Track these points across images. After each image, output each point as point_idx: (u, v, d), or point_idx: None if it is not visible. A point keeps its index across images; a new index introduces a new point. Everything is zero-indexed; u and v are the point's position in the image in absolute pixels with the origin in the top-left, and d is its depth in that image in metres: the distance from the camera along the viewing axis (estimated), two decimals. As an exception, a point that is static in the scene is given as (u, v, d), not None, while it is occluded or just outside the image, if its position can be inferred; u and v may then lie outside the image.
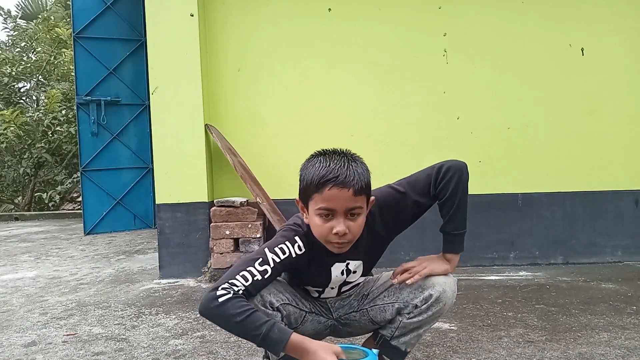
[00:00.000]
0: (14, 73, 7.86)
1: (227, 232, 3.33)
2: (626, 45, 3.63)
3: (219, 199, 3.41)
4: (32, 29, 8.78)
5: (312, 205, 1.37)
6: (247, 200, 3.42)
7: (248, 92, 3.64)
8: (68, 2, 9.03)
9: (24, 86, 8.75)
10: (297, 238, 1.44)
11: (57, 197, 8.25)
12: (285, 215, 3.43)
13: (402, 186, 1.53)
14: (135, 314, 2.63)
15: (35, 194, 8.26)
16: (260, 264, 1.37)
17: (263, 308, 1.38)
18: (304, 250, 1.44)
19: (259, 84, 3.62)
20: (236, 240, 3.36)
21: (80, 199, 9.05)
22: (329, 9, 3.58)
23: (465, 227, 1.56)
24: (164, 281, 3.39)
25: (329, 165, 1.33)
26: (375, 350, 1.33)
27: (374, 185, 1.44)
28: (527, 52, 3.61)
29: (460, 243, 1.56)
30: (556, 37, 3.60)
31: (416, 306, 1.51)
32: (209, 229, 3.39)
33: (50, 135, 7.67)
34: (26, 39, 8.53)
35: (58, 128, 7.65)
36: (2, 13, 9.24)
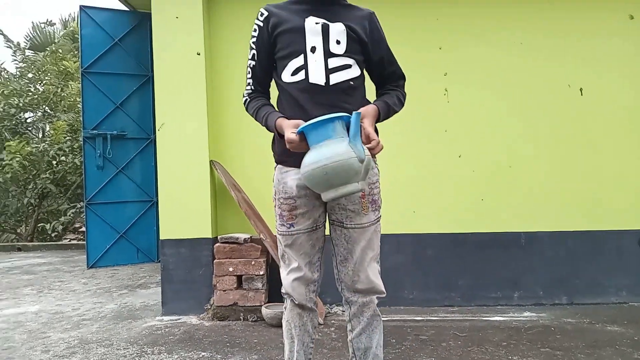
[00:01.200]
0: (21, 104, 7.98)
1: (231, 269, 3.34)
2: (624, 84, 3.69)
3: (223, 235, 3.42)
4: (40, 60, 8.94)
5: None
6: (251, 237, 3.43)
7: (252, 127, 3.66)
8: (76, 36, 9.24)
9: (30, 117, 8.86)
10: (261, 10, 1.67)
11: (60, 227, 8.26)
12: (288, 252, 3.44)
13: (389, 54, 1.72)
14: (137, 353, 2.62)
15: (39, 225, 8.27)
16: (250, 55, 1.68)
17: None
18: (266, 13, 1.65)
19: (264, 122, 3.67)
20: (239, 277, 3.36)
21: (82, 229, 9.10)
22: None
23: (390, 114, 1.68)
24: (166, 318, 3.38)
25: None
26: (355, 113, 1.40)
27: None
28: (527, 91, 3.67)
29: (385, 112, 1.64)
30: (555, 77, 3.67)
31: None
32: (213, 265, 3.39)
33: (55, 165, 7.73)
34: (34, 71, 8.68)
35: (63, 158, 7.71)
36: (12, 46, 9.43)
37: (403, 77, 1.77)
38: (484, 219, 3.65)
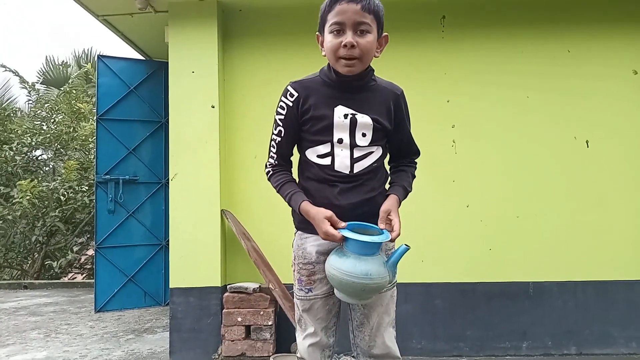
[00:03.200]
0: (33, 143, 8.13)
1: (239, 319, 3.35)
2: (629, 137, 3.73)
3: (232, 285, 3.45)
4: (53, 100, 9.15)
5: (326, 29, 1.58)
6: (260, 286, 3.46)
7: (263, 178, 3.72)
8: (90, 77, 9.47)
9: (41, 154, 9.00)
10: (288, 87, 1.68)
11: (65, 262, 8.27)
12: (297, 301, 3.45)
13: (409, 134, 1.80)
14: (146, 408, 2.61)
15: (46, 262, 8.30)
16: (275, 130, 1.71)
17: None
18: (296, 94, 1.66)
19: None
20: (248, 327, 3.36)
21: (87, 265, 9.11)
22: (345, 115, 3.76)
23: (407, 195, 1.77)
24: (174, 368, 3.37)
25: None
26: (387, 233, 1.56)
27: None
28: (534, 143, 3.73)
29: (404, 195, 1.75)
30: (561, 129, 3.73)
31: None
32: (221, 315, 3.41)
33: (64, 202, 7.81)
34: (47, 110, 8.87)
35: (71, 194, 7.79)
36: (27, 86, 9.66)
37: (418, 153, 1.85)
38: (492, 269, 3.66)
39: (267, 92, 3.78)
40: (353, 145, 1.64)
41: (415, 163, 1.85)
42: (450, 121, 3.76)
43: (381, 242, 1.54)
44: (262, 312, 3.35)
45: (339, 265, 1.52)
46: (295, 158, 1.79)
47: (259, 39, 3.85)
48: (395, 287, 1.75)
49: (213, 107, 3.60)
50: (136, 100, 4.87)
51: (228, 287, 3.45)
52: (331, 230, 1.52)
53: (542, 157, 3.73)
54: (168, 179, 4.34)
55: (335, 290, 1.60)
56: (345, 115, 1.63)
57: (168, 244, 4.44)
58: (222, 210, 3.59)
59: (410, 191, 1.77)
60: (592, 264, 3.66)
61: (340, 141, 1.64)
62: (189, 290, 3.51)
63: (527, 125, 3.74)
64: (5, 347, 4.08)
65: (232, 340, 3.33)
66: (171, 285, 3.53)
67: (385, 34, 1.65)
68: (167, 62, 3.79)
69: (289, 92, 1.67)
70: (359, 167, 1.65)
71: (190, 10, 3.69)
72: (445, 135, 3.75)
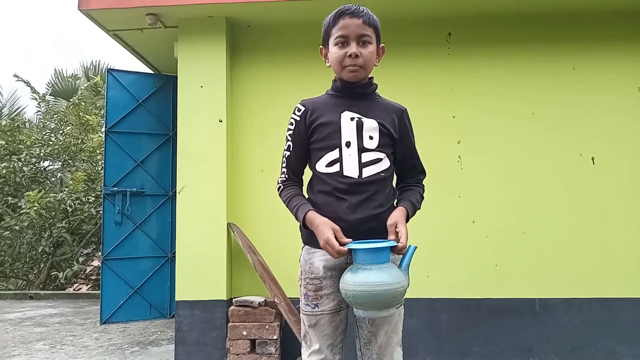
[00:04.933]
0: (42, 154, 8.20)
1: (244, 333, 3.35)
2: (635, 153, 3.75)
3: (238, 298, 3.46)
4: (62, 111, 9.24)
5: (331, 42, 1.70)
6: (265, 300, 3.46)
7: (269, 191, 3.77)
8: (99, 89, 9.57)
9: (49, 165, 9.08)
10: (297, 105, 1.77)
11: (70, 273, 8.30)
12: (302, 315, 3.46)
13: (413, 149, 1.84)
14: (151, 422, 2.62)
15: (52, 273, 8.33)
16: (285, 146, 1.77)
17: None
18: (304, 108, 1.75)
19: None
20: (253, 342, 3.37)
21: (92, 276, 9.14)
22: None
23: (415, 212, 1.77)
24: (179, 381, 3.37)
25: (345, 5, 1.69)
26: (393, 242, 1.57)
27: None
28: (539, 159, 3.75)
29: (411, 211, 1.74)
30: (567, 146, 3.75)
31: None
32: (226, 328, 3.41)
33: (71, 213, 7.86)
34: (56, 121, 8.96)
35: (78, 205, 7.84)
36: (37, 98, 9.77)
37: (423, 172, 1.87)
38: (497, 284, 3.66)
39: (273, 106, 3.82)
40: (361, 149, 1.68)
41: (422, 184, 1.86)
42: (456, 137, 3.78)
43: (389, 247, 1.55)
44: (267, 326, 3.36)
45: (365, 280, 1.49)
46: (307, 177, 1.83)
47: (265, 54, 3.91)
48: (403, 306, 1.75)
49: (220, 121, 3.65)
50: (144, 113, 4.92)
51: (233, 300, 3.46)
52: (333, 239, 1.54)
53: (548, 173, 3.74)
54: (175, 192, 4.38)
55: (361, 312, 1.57)
56: (352, 119, 1.70)
57: (174, 257, 4.47)
58: (228, 224, 3.62)
59: (419, 209, 1.78)
60: (597, 280, 3.65)
61: (348, 144, 1.68)
62: (195, 303, 3.53)
63: (533, 142, 3.76)
64: (11, 357, 4.09)
65: (237, 354, 3.34)
66: (177, 298, 3.54)
67: (382, 45, 1.76)
68: (176, 76, 3.85)
69: (297, 108, 1.77)
70: (367, 172, 1.67)
71: (200, 26, 3.76)
72: (451, 150, 3.77)
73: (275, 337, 3.34)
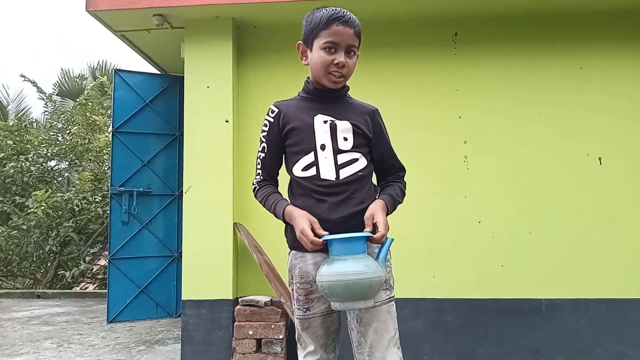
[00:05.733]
0: (49, 154, 8.26)
1: (250, 332, 3.36)
2: (643, 154, 3.73)
3: (244, 298, 3.47)
4: (69, 111, 9.30)
5: (317, 42, 1.68)
6: (272, 299, 3.47)
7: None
8: (105, 89, 9.62)
9: (56, 165, 9.14)
10: (271, 107, 1.78)
11: (77, 272, 8.35)
12: (308, 315, 3.47)
13: (389, 148, 1.83)
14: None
15: (59, 272, 8.39)
16: (260, 147, 1.80)
17: None
18: (277, 109, 1.75)
19: (286, 185, 3.76)
20: (259, 341, 3.38)
21: (99, 276, 9.18)
22: (325, 121, 3.79)
23: (396, 205, 1.76)
24: (185, 380, 3.39)
25: (336, 9, 1.67)
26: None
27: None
28: (546, 160, 3.73)
29: (391, 204, 1.73)
30: (574, 146, 3.73)
31: None
32: (232, 328, 3.43)
33: (78, 213, 7.91)
34: (63, 121, 9.02)
35: (85, 205, 7.89)
36: (44, 98, 9.84)
37: (403, 169, 1.87)
38: (504, 285, 3.65)
39: (280, 107, 3.83)
40: (336, 151, 1.68)
41: (402, 179, 1.85)
42: (462, 137, 3.77)
43: (365, 237, 1.55)
44: (273, 326, 3.37)
45: (339, 270, 1.48)
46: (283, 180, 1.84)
47: (272, 54, 3.92)
48: (392, 302, 1.70)
49: (227, 121, 3.66)
50: (151, 114, 4.95)
51: (240, 300, 3.47)
52: (308, 230, 1.54)
53: (555, 173, 3.73)
54: (181, 191, 4.39)
55: (337, 304, 1.53)
56: (325, 122, 1.70)
57: (180, 256, 4.49)
58: (234, 223, 3.63)
59: (400, 202, 1.77)
60: (604, 281, 3.63)
61: (322, 147, 1.68)
62: (201, 303, 3.54)
63: (540, 142, 3.74)
64: (19, 356, 4.12)
65: (243, 354, 3.35)
66: (183, 298, 3.56)
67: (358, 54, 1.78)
68: (182, 77, 3.87)
69: (270, 110, 1.78)
70: (344, 173, 1.67)
71: (206, 27, 3.77)
72: (457, 151, 3.76)
73: (281, 337, 3.35)
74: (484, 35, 3.83)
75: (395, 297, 1.72)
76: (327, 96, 1.74)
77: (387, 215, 1.66)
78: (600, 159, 3.72)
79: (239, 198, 3.74)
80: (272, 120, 1.75)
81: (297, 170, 1.71)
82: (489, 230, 3.69)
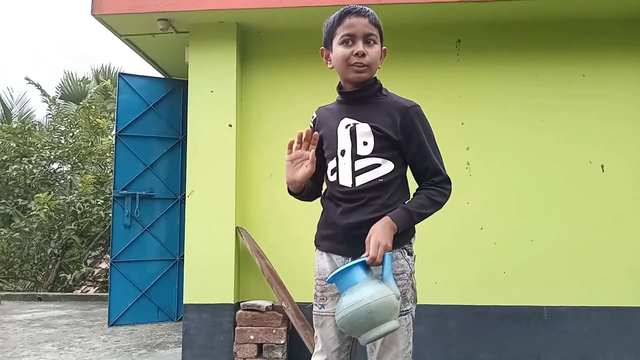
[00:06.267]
0: (52, 157, 8.28)
1: (252, 337, 3.36)
2: (645, 162, 3.73)
3: (245, 302, 3.47)
4: (72, 114, 9.32)
5: (335, 41, 1.67)
6: (273, 304, 3.47)
7: (278, 196, 3.79)
8: (109, 92, 9.65)
9: (59, 168, 9.15)
10: (313, 114, 1.83)
11: (79, 275, 8.36)
12: (309, 321, 3.46)
13: (423, 149, 1.69)
14: None
15: (60, 275, 8.38)
16: None
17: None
18: (314, 116, 1.81)
19: (289, 190, 3.78)
20: (260, 346, 3.37)
21: (100, 279, 9.18)
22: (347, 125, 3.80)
23: (413, 219, 1.62)
24: (186, 384, 3.38)
25: (349, 5, 1.67)
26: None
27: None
28: (548, 167, 3.74)
29: (403, 216, 1.59)
30: (576, 153, 3.73)
31: None
32: (233, 332, 3.42)
33: (80, 215, 7.92)
34: (66, 124, 9.04)
35: (87, 208, 7.90)
36: (48, 101, 9.87)
37: (440, 173, 1.69)
38: (506, 292, 3.64)
39: (283, 111, 3.85)
40: (354, 157, 1.65)
41: (437, 185, 1.68)
42: (464, 143, 3.78)
43: (357, 264, 1.49)
44: (274, 331, 3.36)
45: (340, 307, 1.47)
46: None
47: (275, 59, 3.93)
48: (408, 315, 1.63)
49: (230, 125, 3.67)
50: (154, 118, 4.97)
51: (241, 304, 3.47)
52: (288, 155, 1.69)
53: (557, 180, 3.73)
54: (184, 195, 4.41)
55: (359, 339, 1.50)
56: (347, 126, 1.68)
57: (182, 260, 4.49)
58: (236, 228, 3.63)
59: (423, 213, 1.62)
60: (607, 288, 3.62)
61: (342, 153, 1.67)
62: (202, 307, 3.54)
63: (542, 148, 3.75)
64: (20, 358, 4.12)
65: (244, 358, 3.35)
66: (185, 301, 3.56)
67: (384, 47, 1.73)
68: (186, 81, 3.89)
69: (312, 116, 1.83)
70: (360, 180, 1.63)
71: (211, 31, 3.79)
72: (460, 157, 3.76)
73: (282, 342, 3.35)
74: (488, 42, 3.85)
75: (412, 310, 1.65)
76: (354, 97, 1.70)
77: (402, 229, 1.57)
78: (602, 166, 3.72)
79: (241, 202, 3.75)
80: (311, 125, 1.80)
81: (327, 175, 1.75)
82: (491, 236, 3.69)
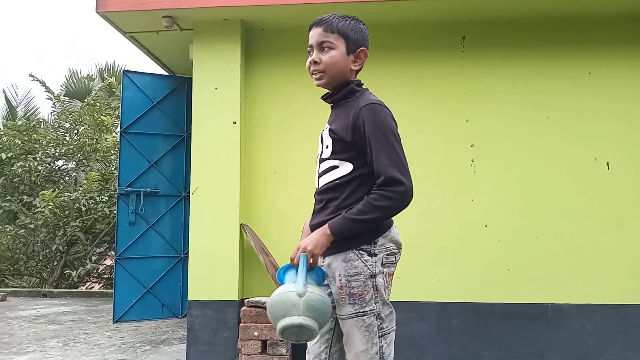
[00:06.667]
0: (57, 154, 8.31)
1: (256, 334, 3.37)
2: (651, 159, 3.72)
3: (250, 299, 3.48)
4: (77, 111, 9.35)
5: None
6: (277, 301, 3.48)
7: (282, 193, 3.81)
8: (113, 90, 9.67)
9: (64, 164, 9.19)
10: None
11: (83, 272, 8.40)
12: (313, 317, 3.47)
13: (373, 150, 1.62)
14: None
15: (65, 272, 8.43)
16: None
17: None
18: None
19: (292, 187, 3.79)
20: (264, 342, 3.38)
21: (105, 275, 9.23)
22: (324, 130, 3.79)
23: (351, 225, 1.58)
24: (190, 381, 3.40)
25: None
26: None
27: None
28: (553, 164, 3.73)
29: (339, 223, 1.59)
30: (581, 151, 3.72)
31: None
32: (238, 329, 3.44)
33: (85, 212, 7.96)
34: (70, 121, 9.07)
35: (92, 205, 7.94)
36: (52, 98, 9.90)
37: (384, 175, 1.57)
38: (510, 289, 3.64)
39: (287, 109, 3.85)
40: (320, 160, 1.76)
41: (382, 189, 1.58)
42: (469, 140, 3.77)
43: (281, 270, 1.63)
44: (278, 327, 3.37)
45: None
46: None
47: (280, 56, 3.93)
48: (366, 317, 1.60)
49: (234, 123, 3.67)
50: (159, 115, 4.97)
51: (245, 301, 3.48)
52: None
53: (562, 178, 3.72)
54: (188, 192, 4.42)
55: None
56: (324, 130, 1.78)
57: (186, 257, 4.51)
58: (241, 225, 3.64)
59: (357, 218, 1.56)
60: (611, 286, 3.61)
61: (317, 157, 1.79)
62: (207, 303, 3.56)
63: (547, 145, 3.74)
64: (25, 354, 4.15)
65: (249, 355, 3.36)
66: (189, 298, 3.57)
67: (362, 48, 1.73)
68: (190, 78, 3.90)
69: None
70: (322, 182, 1.72)
71: (215, 29, 3.79)
72: (464, 154, 3.76)
73: (286, 339, 3.36)
74: (492, 39, 3.84)
75: (376, 311, 1.61)
76: (329, 102, 1.81)
77: (337, 235, 1.57)
78: (608, 163, 3.71)
79: (245, 199, 3.75)
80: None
81: None
82: (495, 234, 3.69)
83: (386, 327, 1.64)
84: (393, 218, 1.69)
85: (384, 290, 1.64)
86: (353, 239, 1.60)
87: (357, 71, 1.75)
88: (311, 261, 1.55)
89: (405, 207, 1.60)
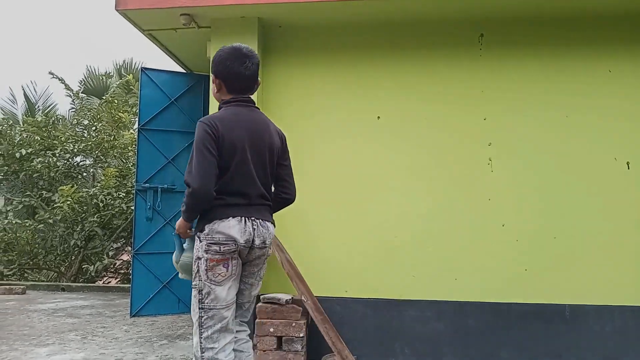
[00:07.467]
0: (75, 150, 8.43)
1: (272, 330, 3.39)
2: (673, 159, 3.65)
3: (265, 295, 3.49)
4: (95, 108, 9.47)
5: None
6: (292, 297, 3.49)
7: (298, 190, 3.79)
8: (131, 87, 9.77)
9: (82, 160, 9.32)
10: None
11: (101, 266, 8.52)
12: (328, 313, 3.48)
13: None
14: (180, 414, 2.67)
15: (83, 266, 8.55)
16: None
17: None
18: None
19: (308, 184, 3.78)
20: (280, 339, 3.40)
21: (122, 270, 9.34)
22: (378, 117, 3.76)
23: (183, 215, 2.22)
24: (206, 375, 3.42)
25: None
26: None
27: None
28: (572, 163, 3.68)
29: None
30: (601, 150, 3.67)
31: None
32: (254, 325, 3.45)
33: (103, 208, 8.06)
34: (89, 118, 9.19)
35: (109, 200, 8.04)
36: (71, 95, 10.04)
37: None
38: (527, 289, 3.61)
39: (303, 107, 3.85)
40: None
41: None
42: (486, 139, 3.74)
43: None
44: (294, 324, 3.38)
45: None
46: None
47: (296, 54, 3.94)
48: (194, 289, 2.15)
49: (252, 120, 3.68)
50: (176, 112, 5.02)
51: (261, 297, 3.50)
52: None
53: (581, 177, 3.67)
54: (205, 189, 4.43)
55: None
56: None
57: (203, 253, 4.52)
58: (257, 222, 3.65)
59: (181, 210, 2.22)
60: (630, 288, 3.57)
61: None
62: (223, 299, 3.57)
63: (566, 144, 3.69)
64: (45, 346, 4.22)
65: (264, 351, 3.37)
66: (206, 294, 3.59)
67: (213, 76, 2.32)
68: (208, 75, 3.91)
69: None
70: None
71: (232, 26, 3.81)
72: (482, 153, 3.73)
73: (301, 335, 3.37)
74: (511, 37, 3.80)
75: (198, 287, 2.14)
76: None
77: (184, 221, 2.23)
78: (628, 163, 3.66)
79: (262, 196, 3.76)
80: None
81: None
82: (513, 233, 3.66)
83: (207, 303, 2.08)
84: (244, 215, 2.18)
85: (204, 273, 2.08)
86: (196, 226, 2.15)
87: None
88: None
89: (200, 203, 2.11)
